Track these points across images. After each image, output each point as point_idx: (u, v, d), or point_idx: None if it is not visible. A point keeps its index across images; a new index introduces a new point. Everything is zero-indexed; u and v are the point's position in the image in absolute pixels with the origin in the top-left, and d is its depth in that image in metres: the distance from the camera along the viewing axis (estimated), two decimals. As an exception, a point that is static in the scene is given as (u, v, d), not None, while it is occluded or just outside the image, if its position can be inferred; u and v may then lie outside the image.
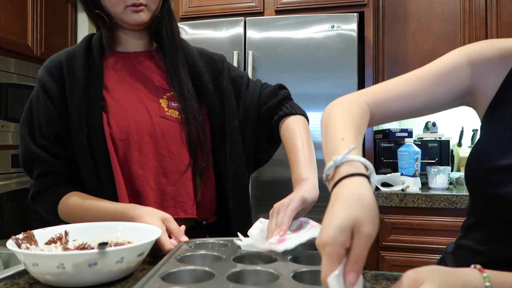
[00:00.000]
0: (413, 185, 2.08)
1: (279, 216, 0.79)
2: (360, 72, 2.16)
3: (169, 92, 1.01)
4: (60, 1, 2.83)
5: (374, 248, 2.02)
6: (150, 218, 0.81)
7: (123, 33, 1.02)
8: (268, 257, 0.69)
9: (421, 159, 2.16)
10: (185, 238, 0.81)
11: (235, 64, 2.10)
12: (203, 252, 0.72)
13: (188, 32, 2.24)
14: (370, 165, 0.57)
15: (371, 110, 0.76)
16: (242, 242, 0.74)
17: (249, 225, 0.85)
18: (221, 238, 0.81)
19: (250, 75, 2.07)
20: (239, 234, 0.78)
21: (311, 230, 0.76)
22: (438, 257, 0.89)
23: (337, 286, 0.46)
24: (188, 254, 0.70)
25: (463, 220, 0.82)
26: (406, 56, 2.35)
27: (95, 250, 0.63)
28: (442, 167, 2.14)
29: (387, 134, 2.34)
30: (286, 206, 0.80)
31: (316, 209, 0.85)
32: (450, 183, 2.27)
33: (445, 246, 0.88)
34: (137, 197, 0.94)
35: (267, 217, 0.83)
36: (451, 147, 2.41)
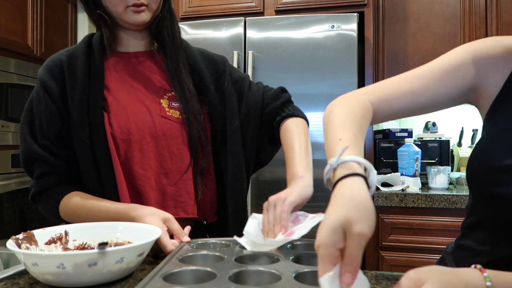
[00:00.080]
0: (413, 185, 2.08)
1: (277, 210, 0.78)
2: (360, 72, 2.16)
3: (170, 92, 1.01)
4: (60, 1, 2.83)
5: (374, 248, 2.02)
6: (151, 219, 0.81)
7: (124, 33, 1.02)
8: (270, 258, 0.69)
9: (421, 159, 2.16)
10: (186, 238, 0.81)
11: (235, 64, 2.11)
12: (204, 252, 0.72)
13: (188, 32, 2.24)
14: (366, 162, 0.57)
15: (374, 108, 0.75)
16: (243, 241, 0.74)
17: (244, 226, 0.84)
18: (223, 238, 0.81)
19: (250, 75, 2.08)
20: (236, 237, 0.77)
21: (316, 218, 0.75)
22: (438, 257, 0.89)
23: (329, 286, 0.46)
24: (190, 254, 0.70)
25: (463, 220, 0.82)
26: (406, 56, 2.35)
27: (95, 250, 0.63)
28: (442, 167, 2.14)
29: (387, 134, 2.34)
30: (283, 200, 0.79)
31: (315, 209, 0.84)
32: (450, 183, 2.27)
33: (445, 246, 0.88)
34: (138, 197, 0.94)
35: None
36: (451, 147, 2.41)
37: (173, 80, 1.01)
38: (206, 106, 1.05)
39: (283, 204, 0.78)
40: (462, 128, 2.50)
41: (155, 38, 1.05)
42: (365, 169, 0.58)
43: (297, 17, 2.14)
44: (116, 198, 0.92)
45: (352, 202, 0.50)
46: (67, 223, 0.84)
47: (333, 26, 2.05)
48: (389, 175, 2.15)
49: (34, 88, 0.97)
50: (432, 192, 2.01)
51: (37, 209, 1.00)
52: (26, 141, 0.95)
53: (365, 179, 0.55)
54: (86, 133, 0.92)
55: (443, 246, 1.01)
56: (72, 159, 0.95)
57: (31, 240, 0.72)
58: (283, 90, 1.10)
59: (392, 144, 2.32)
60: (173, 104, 1.00)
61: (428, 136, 2.39)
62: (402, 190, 2.04)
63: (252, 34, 2.15)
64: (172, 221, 0.83)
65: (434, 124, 2.49)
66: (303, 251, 0.71)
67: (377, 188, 2.09)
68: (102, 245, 0.63)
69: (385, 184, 2.13)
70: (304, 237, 0.72)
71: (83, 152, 0.93)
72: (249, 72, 2.09)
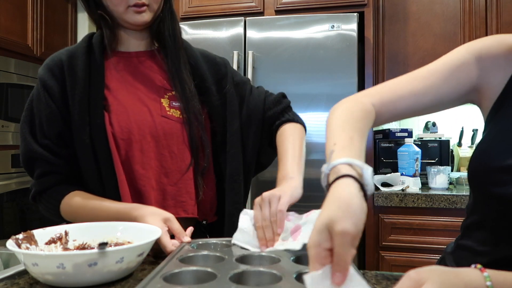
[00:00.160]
0: (413, 185, 2.08)
1: (273, 208, 0.78)
2: (360, 72, 2.16)
3: (170, 92, 1.01)
4: (60, 1, 2.83)
5: (374, 248, 2.02)
6: (152, 219, 0.81)
7: (125, 33, 1.02)
8: (270, 258, 0.69)
9: (421, 159, 2.16)
10: (187, 239, 0.81)
11: (235, 64, 2.11)
12: (205, 252, 0.72)
13: (188, 32, 2.24)
14: (358, 162, 0.57)
15: (377, 110, 0.75)
16: (238, 241, 0.75)
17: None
18: (224, 239, 0.81)
19: (250, 75, 2.08)
20: (234, 240, 0.78)
21: (312, 215, 0.76)
22: (438, 257, 0.89)
23: (312, 285, 0.47)
24: (190, 254, 0.70)
25: (463, 220, 0.82)
26: (406, 56, 2.35)
27: (95, 250, 0.63)
28: (442, 167, 2.14)
29: (387, 134, 2.34)
30: (278, 198, 0.80)
31: (308, 209, 0.84)
32: (450, 183, 2.27)
33: (445, 246, 0.88)
34: (139, 197, 0.94)
35: None
36: (451, 147, 2.41)
37: (173, 79, 1.01)
38: (206, 107, 1.05)
39: (278, 203, 0.79)
40: (462, 128, 2.50)
41: (156, 38, 1.05)
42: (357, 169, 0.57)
43: (297, 17, 2.14)
44: (116, 197, 0.92)
45: (337, 202, 0.51)
46: (68, 222, 0.84)
47: (333, 26, 2.05)
48: (389, 175, 2.15)
49: (34, 88, 0.97)
50: (432, 192, 2.01)
51: (37, 209, 1.00)
52: (27, 140, 0.95)
53: (356, 178, 0.54)
54: (86, 133, 0.92)
55: (443, 246, 1.01)
56: (73, 159, 0.95)
57: (31, 240, 0.72)
58: (283, 96, 1.13)
59: (392, 144, 2.32)
60: (173, 103, 1.00)
61: (428, 136, 2.39)
62: (402, 190, 2.04)
63: (252, 34, 2.15)
64: (173, 221, 0.83)
65: (434, 124, 2.49)
66: (303, 252, 0.72)
67: (377, 188, 2.09)
68: (102, 245, 0.63)
69: (385, 184, 2.14)
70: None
71: (83, 151, 0.93)
72: (249, 72, 2.09)
